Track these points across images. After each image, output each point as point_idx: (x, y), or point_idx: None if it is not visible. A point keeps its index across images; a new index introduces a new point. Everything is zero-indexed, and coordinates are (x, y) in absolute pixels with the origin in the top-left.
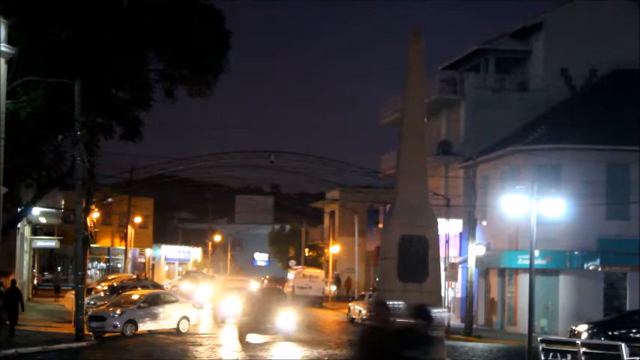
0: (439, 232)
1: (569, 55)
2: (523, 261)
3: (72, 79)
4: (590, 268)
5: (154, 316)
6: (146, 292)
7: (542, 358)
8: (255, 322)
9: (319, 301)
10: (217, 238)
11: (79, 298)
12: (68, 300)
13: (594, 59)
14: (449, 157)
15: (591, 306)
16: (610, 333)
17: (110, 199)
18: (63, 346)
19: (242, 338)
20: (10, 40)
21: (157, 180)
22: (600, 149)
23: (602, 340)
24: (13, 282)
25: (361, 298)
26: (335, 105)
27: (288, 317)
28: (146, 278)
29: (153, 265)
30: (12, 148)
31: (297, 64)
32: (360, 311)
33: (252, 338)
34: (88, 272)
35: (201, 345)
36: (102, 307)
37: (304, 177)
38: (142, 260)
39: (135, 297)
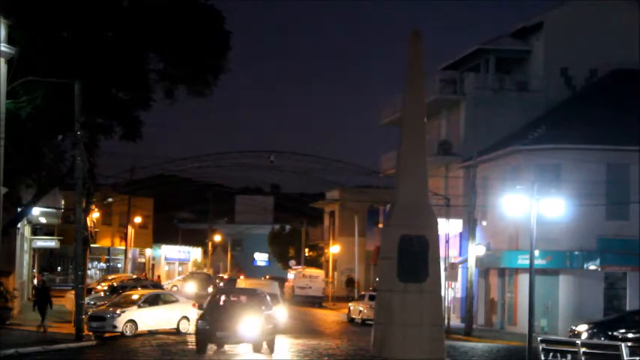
0: (439, 232)
1: (569, 55)
2: (523, 261)
3: (72, 79)
4: (590, 268)
5: (154, 316)
6: (146, 292)
7: (542, 358)
8: (212, 328)
9: (319, 301)
10: (217, 238)
11: (79, 298)
12: (68, 300)
13: (594, 59)
14: (449, 157)
15: (591, 306)
16: (610, 333)
17: (110, 199)
18: (63, 346)
19: (200, 348)
20: (10, 40)
21: (157, 180)
22: (600, 149)
23: (602, 340)
24: (43, 282)
25: (361, 298)
26: (335, 105)
27: (255, 323)
28: (146, 278)
29: (153, 265)
30: (12, 148)
31: (296, 64)
32: (360, 311)
33: (223, 348)
34: (88, 272)
35: None
36: (102, 307)
37: (304, 177)
38: (142, 260)
39: (135, 297)
